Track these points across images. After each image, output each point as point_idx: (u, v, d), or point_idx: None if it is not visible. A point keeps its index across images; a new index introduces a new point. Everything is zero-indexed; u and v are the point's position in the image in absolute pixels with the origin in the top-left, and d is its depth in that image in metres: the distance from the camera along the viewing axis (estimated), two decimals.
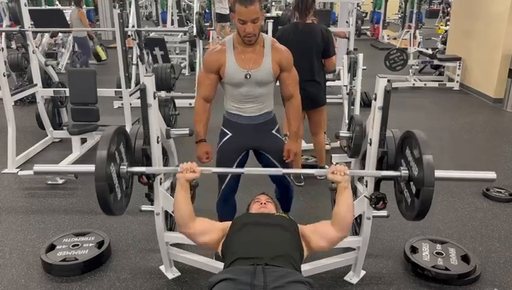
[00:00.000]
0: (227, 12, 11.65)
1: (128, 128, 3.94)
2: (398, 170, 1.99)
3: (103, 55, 8.89)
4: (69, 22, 7.81)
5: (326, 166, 3.81)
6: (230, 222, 2.05)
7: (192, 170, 1.98)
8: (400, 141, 2.07)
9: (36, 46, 4.74)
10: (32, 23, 4.92)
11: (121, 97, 4.26)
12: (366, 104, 5.52)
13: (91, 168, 1.86)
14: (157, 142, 2.15)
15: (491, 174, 1.96)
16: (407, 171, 1.95)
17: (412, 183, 1.92)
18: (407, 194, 1.98)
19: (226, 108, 2.47)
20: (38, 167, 2.07)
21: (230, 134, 2.44)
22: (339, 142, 4.33)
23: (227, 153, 2.44)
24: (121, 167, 1.97)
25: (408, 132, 2.00)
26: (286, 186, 2.60)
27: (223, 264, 1.96)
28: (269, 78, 2.33)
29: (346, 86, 4.42)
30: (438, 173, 1.84)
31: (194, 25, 6.22)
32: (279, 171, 2.14)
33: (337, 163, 2.53)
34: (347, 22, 5.58)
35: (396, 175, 1.99)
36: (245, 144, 2.45)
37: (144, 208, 2.49)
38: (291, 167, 2.61)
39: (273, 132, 2.48)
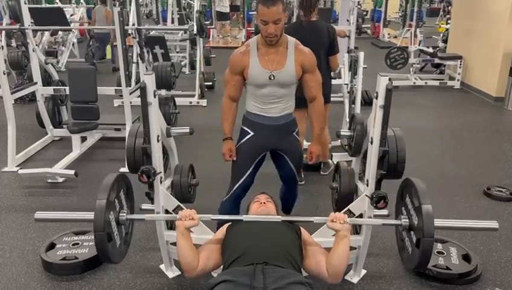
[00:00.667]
0: (228, 10, 11.64)
1: (128, 127, 3.97)
2: (399, 218, 2.02)
3: (109, 55, 8.85)
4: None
5: (330, 161, 3.83)
6: (226, 227, 2.04)
7: (191, 217, 1.95)
8: (400, 189, 2.10)
9: (36, 45, 4.73)
10: (32, 21, 4.91)
11: (121, 95, 4.25)
12: (367, 102, 5.51)
13: (91, 216, 1.87)
14: (158, 140, 2.14)
15: (493, 224, 1.96)
16: (407, 220, 1.96)
17: (412, 232, 1.94)
18: (407, 243, 2.00)
19: (247, 108, 2.47)
20: (39, 215, 2.07)
21: (252, 133, 2.44)
22: (339, 141, 4.32)
23: (248, 152, 2.45)
24: (121, 214, 1.98)
25: (407, 179, 2.01)
26: (294, 186, 2.64)
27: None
28: (292, 79, 2.33)
29: (347, 84, 4.41)
30: (438, 223, 1.86)
31: (195, 23, 6.21)
32: (278, 218, 2.00)
33: (337, 164, 2.53)
34: (348, 20, 5.57)
35: (397, 223, 2.01)
36: (267, 144, 2.45)
37: (144, 206, 2.49)
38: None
39: (294, 134, 2.50)
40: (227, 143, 2.46)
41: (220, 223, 2.43)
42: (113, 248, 1.92)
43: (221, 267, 1.95)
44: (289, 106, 2.43)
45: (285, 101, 2.39)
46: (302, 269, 1.92)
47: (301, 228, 2.08)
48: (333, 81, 5.14)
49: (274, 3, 2.14)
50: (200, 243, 2.15)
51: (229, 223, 2.08)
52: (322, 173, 3.76)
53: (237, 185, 2.46)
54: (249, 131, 2.45)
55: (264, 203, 2.22)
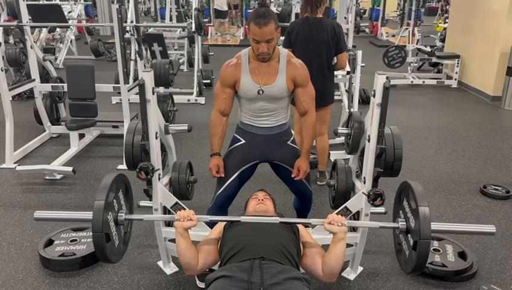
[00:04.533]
0: (225, 8, 11.62)
1: (126, 124, 3.97)
2: (396, 221, 2.02)
3: None
4: (75, 17, 7.76)
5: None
6: (223, 224, 2.05)
7: (189, 218, 1.94)
8: (398, 192, 2.10)
9: (34, 41, 4.72)
10: (30, 18, 4.90)
11: (119, 93, 4.25)
12: (365, 101, 5.52)
13: (89, 216, 1.86)
14: (156, 137, 2.15)
15: (490, 228, 1.96)
16: (404, 223, 1.96)
17: (409, 235, 1.94)
18: (405, 246, 2.00)
19: (240, 119, 2.44)
20: (38, 214, 2.04)
21: (243, 141, 2.41)
22: (337, 138, 4.32)
23: (235, 158, 2.39)
24: (119, 214, 1.98)
25: (405, 183, 2.01)
26: (307, 197, 2.56)
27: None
28: (283, 94, 2.30)
29: (348, 72, 4.28)
30: (435, 226, 1.86)
31: (193, 21, 6.20)
32: (275, 219, 1.98)
33: (335, 162, 2.52)
34: (345, 18, 5.57)
35: (394, 227, 2.01)
36: (256, 154, 2.39)
37: (142, 203, 2.50)
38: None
39: (289, 142, 2.44)
40: (214, 159, 2.36)
41: (212, 223, 2.39)
42: (112, 247, 1.92)
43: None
44: (282, 117, 2.39)
45: (277, 114, 2.36)
46: (298, 265, 1.93)
47: (300, 225, 2.09)
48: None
49: (266, 24, 2.09)
50: (197, 240, 2.16)
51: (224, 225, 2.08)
52: (318, 183, 3.61)
53: (219, 191, 2.38)
54: (241, 139, 2.41)
55: (262, 200, 2.23)
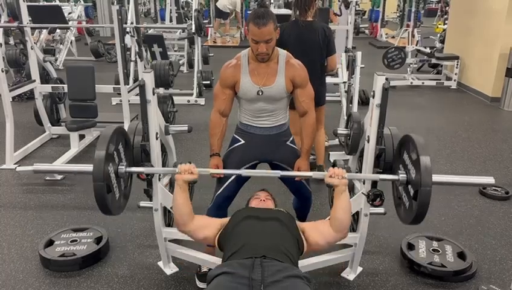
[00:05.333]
0: (227, 10, 11.61)
1: (126, 126, 3.98)
2: (396, 173, 2.01)
3: None
4: (75, 18, 7.70)
5: (324, 164, 3.83)
6: (229, 217, 2.06)
7: (190, 171, 1.97)
8: (398, 146, 2.08)
9: (34, 42, 4.73)
10: (31, 19, 4.91)
11: (119, 94, 4.26)
12: (364, 102, 5.53)
13: (89, 168, 1.86)
14: (156, 138, 2.16)
15: (489, 179, 1.97)
16: (405, 175, 1.96)
17: (410, 186, 1.94)
18: (405, 198, 2.00)
19: (239, 119, 2.45)
20: (38, 166, 2.06)
21: (242, 141, 2.41)
22: (337, 139, 4.34)
23: (234, 158, 2.39)
24: (120, 166, 1.97)
25: (406, 136, 2.00)
26: (307, 197, 2.56)
27: (220, 260, 1.97)
28: (282, 94, 2.30)
29: (345, 82, 4.41)
30: (436, 178, 1.85)
31: (193, 22, 6.21)
32: (277, 173, 2.10)
33: (334, 162, 2.53)
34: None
35: (394, 179, 2.01)
36: (255, 154, 2.39)
37: (143, 204, 2.51)
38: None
39: (288, 143, 2.45)
40: (214, 159, 2.36)
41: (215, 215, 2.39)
42: (113, 199, 1.92)
43: (220, 260, 1.97)
44: (281, 117, 2.40)
45: (277, 114, 2.36)
46: (297, 265, 1.94)
47: (297, 222, 2.09)
48: (331, 80, 5.20)
49: (265, 24, 2.11)
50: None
51: (231, 215, 2.09)
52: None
53: (219, 192, 2.38)
54: (240, 139, 2.42)
55: (264, 200, 2.24)
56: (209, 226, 2.03)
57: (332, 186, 2.03)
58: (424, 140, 1.90)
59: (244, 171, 2.12)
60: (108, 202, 1.86)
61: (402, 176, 1.96)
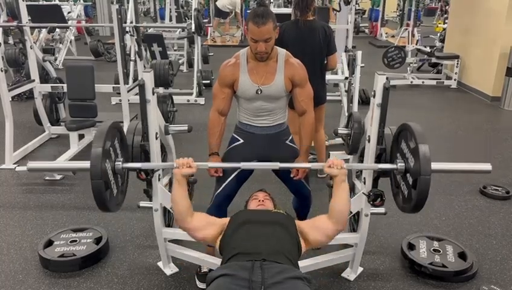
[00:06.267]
0: (227, 10, 11.59)
1: (126, 125, 3.97)
2: (395, 162, 1.98)
3: None
4: (74, 17, 7.69)
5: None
6: (229, 218, 2.05)
7: (188, 165, 1.96)
8: (396, 135, 2.06)
9: (34, 42, 4.72)
10: (30, 18, 4.90)
11: (119, 93, 4.25)
12: (364, 101, 5.53)
13: (86, 165, 1.84)
14: (156, 138, 2.15)
15: (487, 166, 1.96)
16: (403, 164, 1.94)
17: (408, 175, 1.92)
18: (404, 187, 1.98)
19: (238, 118, 2.44)
20: (32, 164, 2.02)
21: (241, 141, 2.41)
22: (339, 138, 4.33)
23: (233, 158, 2.37)
24: (116, 163, 1.95)
25: (403, 124, 1.99)
26: (306, 197, 2.55)
27: (220, 260, 1.96)
28: (281, 93, 2.30)
29: (347, 78, 4.37)
30: (434, 165, 1.84)
31: (193, 22, 6.20)
32: (276, 165, 2.09)
33: (328, 155, 2.53)
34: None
35: (393, 168, 1.99)
36: (254, 153, 2.38)
37: (142, 204, 2.50)
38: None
39: (287, 142, 2.44)
40: (213, 158, 2.36)
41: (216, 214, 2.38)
42: (111, 196, 1.90)
43: (220, 262, 1.96)
44: (281, 116, 2.39)
45: (276, 113, 2.35)
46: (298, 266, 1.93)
47: (296, 221, 2.08)
48: (331, 78, 5.19)
49: (265, 23, 2.10)
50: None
51: (230, 217, 2.08)
52: (319, 175, 3.74)
53: (218, 191, 2.37)
54: (239, 138, 2.41)
55: (263, 201, 2.23)
56: (209, 227, 2.01)
57: (331, 186, 2.03)
58: (421, 128, 1.90)
59: (243, 164, 2.08)
60: (106, 199, 1.85)
61: (400, 165, 1.94)
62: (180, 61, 8.06)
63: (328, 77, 3.71)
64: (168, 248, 2.44)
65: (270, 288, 1.59)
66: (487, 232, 2.97)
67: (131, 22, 5.66)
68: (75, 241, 2.68)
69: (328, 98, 3.71)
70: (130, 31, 5.47)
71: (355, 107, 4.24)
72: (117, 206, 2.01)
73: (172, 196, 2.00)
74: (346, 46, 5.29)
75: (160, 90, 5.45)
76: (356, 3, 5.68)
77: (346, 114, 4.30)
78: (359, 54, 4.20)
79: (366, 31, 13.46)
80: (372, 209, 2.25)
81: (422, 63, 7.82)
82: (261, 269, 1.66)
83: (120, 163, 1.97)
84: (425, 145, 1.80)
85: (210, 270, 2.10)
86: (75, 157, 4.09)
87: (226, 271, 1.68)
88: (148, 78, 2.06)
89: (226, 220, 2.05)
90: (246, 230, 1.93)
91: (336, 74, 5.00)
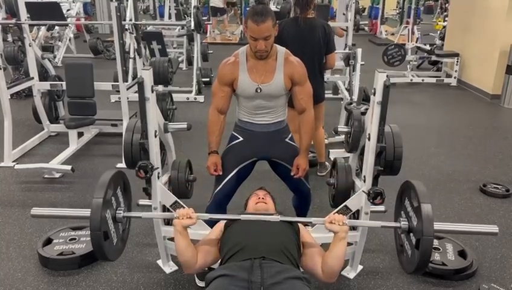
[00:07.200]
0: (221, 5, 11.53)
1: (125, 123, 3.96)
2: (398, 221, 2.00)
3: None
4: (73, 15, 7.71)
5: (327, 163, 3.82)
6: (224, 223, 2.04)
7: (188, 216, 1.92)
8: (400, 192, 2.08)
9: (33, 39, 4.70)
10: (29, 16, 4.88)
11: (118, 91, 4.24)
12: (364, 99, 5.51)
13: (87, 213, 1.84)
14: (155, 136, 2.14)
15: (493, 228, 1.95)
16: (406, 223, 1.94)
17: (411, 234, 1.92)
18: (407, 246, 1.98)
19: (238, 116, 2.43)
20: (36, 211, 2.01)
21: (241, 138, 2.40)
22: (340, 136, 4.32)
23: (233, 156, 2.38)
24: (118, 211, 1.96)
25: (407, 182, 1.99)
26: (306, 195, 2.55)
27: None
28: (281, 92, 2.29)
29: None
30: (438, 226, 1.84)
31: (192, 19, 6.19)
32: (276, 218, 1.93)
33: (334, 161, 2.52)
34: (344, 14, 5.56)
35: (396, 226, 1.99)
36: (255, 150, 2.38)
37: (142, 202, 2.49)
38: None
39: (287, 140, 2.43)
40: (212, 157, 2.35)
41: (211, 222, 2.36)
42: (110, 245, 1.91)
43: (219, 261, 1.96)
44: (280, 114, 2.38)
45: (275, 111, 2.35)
46: (299, 265, 1.92)
47: (300, 225, 2.08)
48: (330, 78, 5.19)
49: (264, 20, 2.09)
50: (197, 239, 2.14)
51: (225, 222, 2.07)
52: (318, 173, 3.74)
53: (217, 189, 2.37)
54: (238, 136, 2.41)
55: (263, 198, 2.22)
56: (211, 251, 2.00)
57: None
58: (425, 187, 1.90)
59: (243, 216, 1.99)
60: (105, 250, 1.86)
61: (404, 223, 1.95)
62: (180, 59, 8.05)
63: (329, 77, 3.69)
64: (168, 246, 2.43)
65: (269, 288, 1.59)
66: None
67: (131, 20, 5.64)
68: (74, 239, 2.68)
69: (327, 96, 3.71)
70: (129, 29, 5.45)
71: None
72: (116, 254, 2.01)
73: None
74: (346, 44, 5.30)
75: (160, 88, 5.43)
76: (356, 1, 5.66)
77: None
78: (359, 51, 4.20)
79: (366, 28, 13.44)
80: (372, 207, 2.24)
81: (422, 61, 7.82)
82: (260, 268, 1.65)
83: (121, 212, 1.98)
84: (428, 205, 1.80)
85: (210, 269, 2.09)
86: (74, 155, 4.08)
87: (225, 272, 1.68)
88: (147, 76, 2.05)
89: (220, 226, 2.04)
90: (244, 227, 1.93)
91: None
